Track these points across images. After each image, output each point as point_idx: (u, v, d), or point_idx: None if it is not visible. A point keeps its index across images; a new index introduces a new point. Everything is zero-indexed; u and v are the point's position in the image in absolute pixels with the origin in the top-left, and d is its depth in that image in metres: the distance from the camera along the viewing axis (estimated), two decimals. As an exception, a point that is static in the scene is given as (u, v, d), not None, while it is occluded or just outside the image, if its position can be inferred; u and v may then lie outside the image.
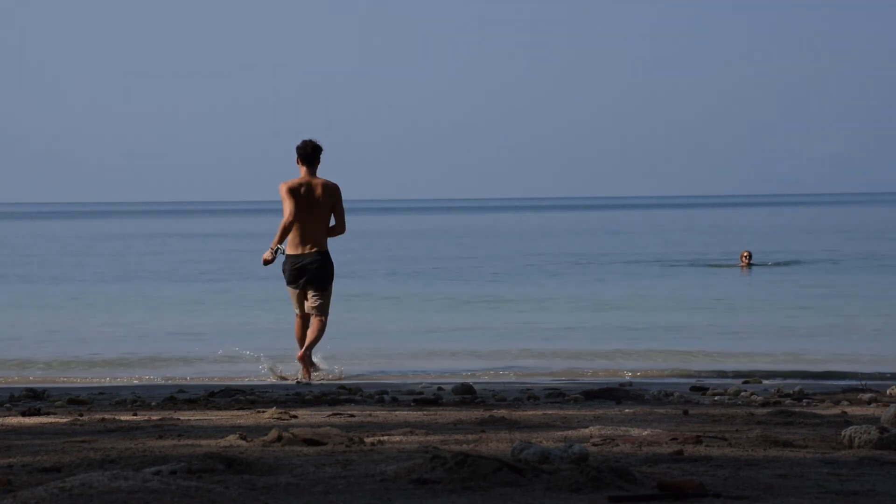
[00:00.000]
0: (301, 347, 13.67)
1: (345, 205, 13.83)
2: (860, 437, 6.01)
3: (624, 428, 6.84)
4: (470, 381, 12.01)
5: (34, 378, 13.48)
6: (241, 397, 10.54)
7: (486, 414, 8.26)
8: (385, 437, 6.63)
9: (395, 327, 18.41)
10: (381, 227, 79.06)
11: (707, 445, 6.08)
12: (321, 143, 13.77)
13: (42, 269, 36.25)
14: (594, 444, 6.14)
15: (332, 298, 13.92)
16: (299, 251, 13.67)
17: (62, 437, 6.92)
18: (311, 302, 13.71)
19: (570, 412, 8.70)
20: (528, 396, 10.77)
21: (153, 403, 10.12)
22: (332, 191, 13.69)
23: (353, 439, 6.29)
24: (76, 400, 10.49)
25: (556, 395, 10.82)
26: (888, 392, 10.73)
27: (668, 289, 26.20)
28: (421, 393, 11.28)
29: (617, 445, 6.09)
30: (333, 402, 10.13)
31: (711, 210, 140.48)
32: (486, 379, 12.99)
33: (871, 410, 8.95)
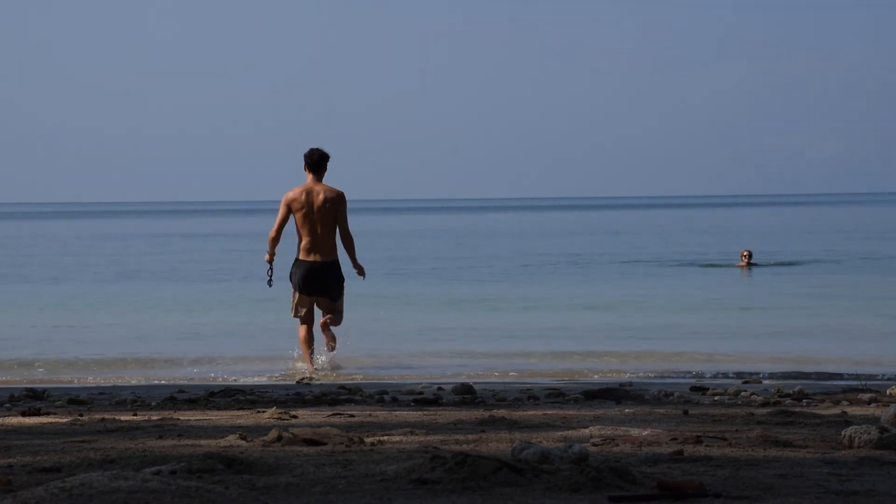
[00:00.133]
0: (306, 356, 13.94)
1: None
2: (860, 437, 6.01)
3: (624, 428, 6.84)
4: (470, 381, 12.01)
5: (34, 378, 13.47)
6: (241, 397, 10.54)
7: (486, 414, 8.26)
8: (385, 437, 6.62)
9: (395, 327, 18.41)
10: (381, 227, 79.07)
11: (707, 445, 6.08)
12: (328, 151, 14.05)
13: (42, 269, 36.25)
14: (594, 444, 6.14)
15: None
16: (310, 258, 13.93)
17: (62, 437, 6.92)
18: (325, 311, 14.09)
19: (570, 412, 8.70)
20: (528, 396, 10.76)
21: (153, 403, 10.11)
22: (334, 198, 13.87)
23: (353, 439, 6.29)
24: (76, 400, 10.49)
25: (556, 395, 10.82)
26: (888, 392, 10.73)
27: (668, 289, 26.20)
28: (421, 393, 11.28)
29: (617, 445, 6.09)
30: (333, 402, 10.12)
31: (711, 210, 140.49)
32: (486, 379, 12.99)
33: (871, 410, 8.95)
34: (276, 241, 14.06)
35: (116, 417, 8.35)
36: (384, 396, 10.71)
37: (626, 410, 8.86)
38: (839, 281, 28.11)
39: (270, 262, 14.17)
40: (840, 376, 13.19)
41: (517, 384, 12.32)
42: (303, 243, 13.91)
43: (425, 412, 8.86)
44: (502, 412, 8.53)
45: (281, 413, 8.40)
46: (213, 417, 8.50)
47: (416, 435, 6.80)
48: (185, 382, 12.80)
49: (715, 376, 13.24)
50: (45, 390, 11.36)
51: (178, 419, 8.22)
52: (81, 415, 8.78)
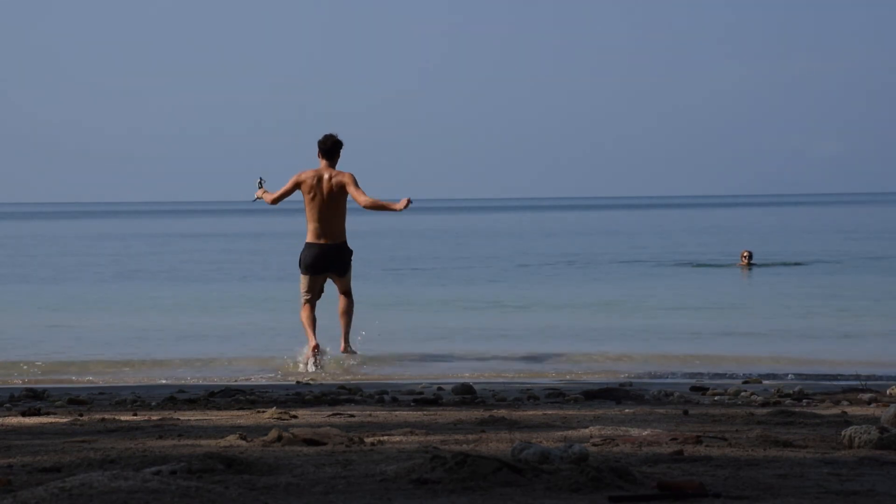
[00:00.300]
0: (309, 332, 14.12)
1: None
2: (860, 437, 6.01)
3: (624, 428, 6.84)
4: (470, 381, 12.01)
5: (34, 378, 13.47)
6: (241, 397, 10.54)
7: (486, 414, 8.26)
8: (385, 437, 6.63)
9: (395, 327, 18.40)
10: (381, 227, 79.06)
11: (707, 445, 6.08)
12: (341, 138, 14.36)
13: (42, 269, 36.24)
14: (594, 444, 6.15)
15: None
16: (319, 241, 14.28)
17: (62, 437, 6.92)
18: (339, 288, 14.46)
19: (570, 412, 8.70)
20: (528, 396, 10.76)
21: (153, 403, 10.11)
22: (342, 179, 14.20)
23: (353, 439, 6.30)
24: (76, 400, 10.49)
25: (556, 395, 10.82)
26: (888, 392, 10.73)
27: (668, 289, 26.20)
28: (421, 393, 11.28)
29: (617, 445, 6.09)
30: (333, 402, 10.13)
31: (711, 210, 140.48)
32: (486, 379, 12.99)
33: (871, 410, 8.95)
34: (275, 202, 14.63)
35: (116, 417, 8.35)
36: (384, 396, 10.71)
37: (626, 410, 8.86)
38: (839, 281, 28.10)
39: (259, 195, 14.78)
40: (840, 376, 13.18)
41: (517, 384, 12.32)
42: (312, 227, 14.28)
43: (425, 412, 8.86)
44: (502, 412, 8.53)
45: (281, 413, 8.40)
46: (213, 417, 8.50)
47: (416, 435, 6.80)
48: (185, 382, 12.79)
49: (715, 376, 13.24)
50: (45, 390, 11.36)
51: (178, 419, 8.22)
52: (81, 415, 8.78)
